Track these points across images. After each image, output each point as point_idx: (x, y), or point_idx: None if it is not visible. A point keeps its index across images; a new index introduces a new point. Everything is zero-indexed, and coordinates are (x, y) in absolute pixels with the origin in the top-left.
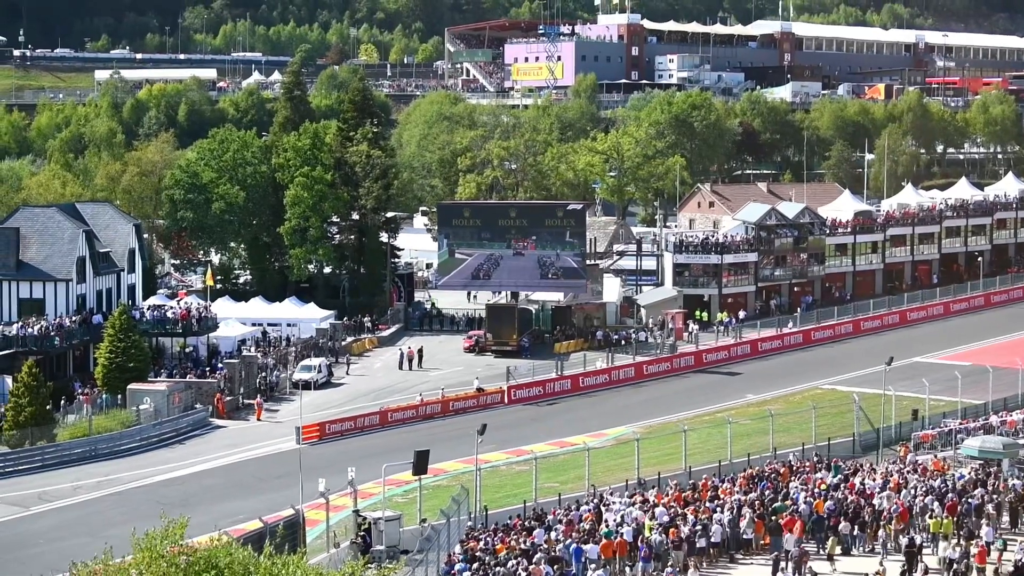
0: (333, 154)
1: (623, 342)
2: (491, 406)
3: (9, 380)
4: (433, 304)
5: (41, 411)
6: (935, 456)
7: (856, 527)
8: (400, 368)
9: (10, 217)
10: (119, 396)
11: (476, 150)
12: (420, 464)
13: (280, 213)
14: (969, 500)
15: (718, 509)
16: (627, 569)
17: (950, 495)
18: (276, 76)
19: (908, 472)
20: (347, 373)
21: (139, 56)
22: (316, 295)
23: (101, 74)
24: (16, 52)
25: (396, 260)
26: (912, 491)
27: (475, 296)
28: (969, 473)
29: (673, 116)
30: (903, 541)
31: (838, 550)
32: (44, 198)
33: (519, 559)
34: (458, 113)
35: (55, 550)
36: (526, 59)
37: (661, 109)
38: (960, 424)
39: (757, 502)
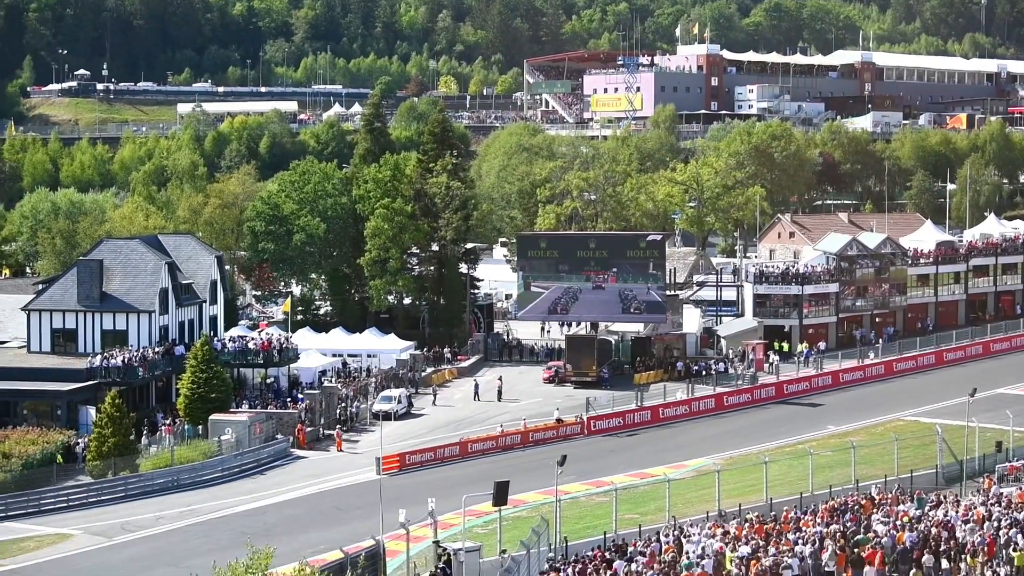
0: (413, 185)
1: (703, 373)
2: (571, 437)
3: (93, 411)
4: (509, 333)
5: (124, 441)
6: (1020, 488)
7: (939, 560)
8: (475, 399)
9: (94, 249)
10: (201, 427)
11: (555, 181)
12: (500, 495)
13: (360, 244)
14: None
15: (799, 541)
16: None
17: None
18: (356, 108)
19: (992, 504)
20: (433, 404)
21: (221, 89)
22: (396, 326)
23: (184, 107)
24: (100, 86)
25: (475, 291)
26: (996, 524)
27: (548, 330)
28: None
29: (753, 146)
30: (987, 574)
31: None
32: (127, 230)
33: None
34: (537, 144)
35: None
36: (605, 90)
37: (741, 139)
38: None
39: (839, 534)
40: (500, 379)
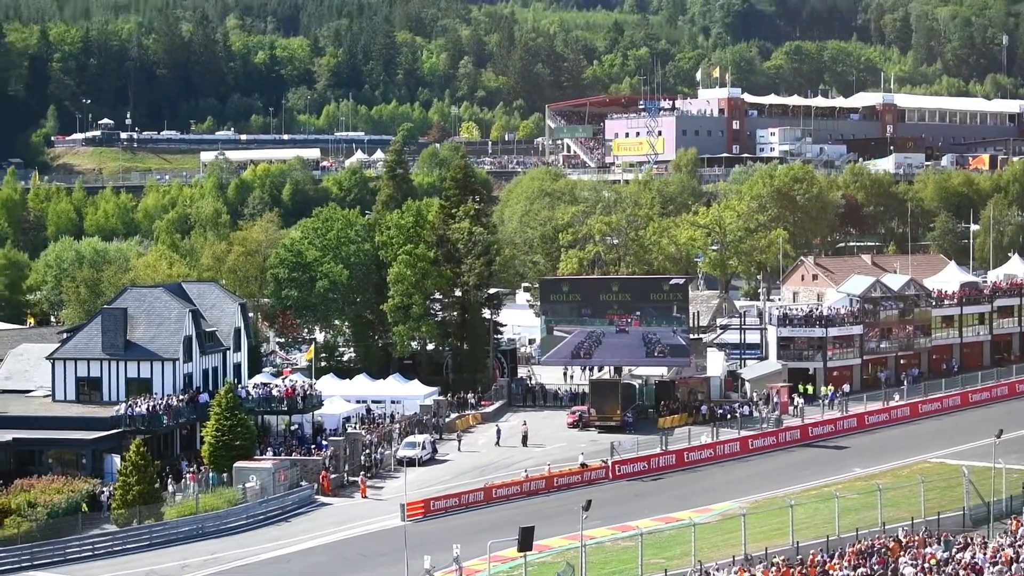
0: (435, 231)
1: (728, 416)
2: (595, 482)
3: (118, 459)
4: (532, 377)
5: (149, 490)
6: None
7: None
8: (497, 445)
9: (118, 298)
10: (225, 474)
11: (577, 225)
12: (525, 540)
13: (383, 291)
14: None
15: None
16: None
17: None
18: (378, 155)
19: (1020, 546)
20: (459, 449)
21: (244, 137)
22: (420, 372)
23: (206, 155)
24: (124, 135)
25: (499, 336)
26: None
27: (571, 376)
28: None
29: (775, 189)
30: None
31: None
32: (151, 278)
33: None
34: (559, 189)
35: None
36: (627, 134)
37: (763, 182)
38: None
39: None
40: (525, 423)
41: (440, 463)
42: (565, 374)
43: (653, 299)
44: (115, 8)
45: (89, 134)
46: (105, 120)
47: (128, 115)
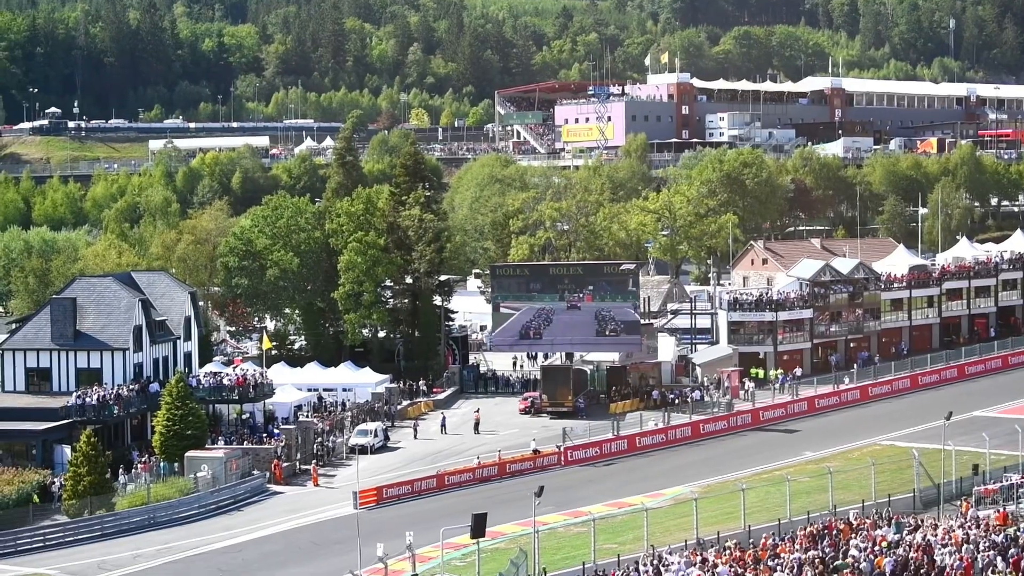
0: (386, 218)
1: (679, 401)
2: (548, 468)
3: (68, 450)
4: (482, 364)
5: (100, 480)
6: (998, 510)
7: None
8: (443, 433)
9: (67, 288)
10: (177, 464)
11: (528, 212)
12: (478, 527)
13: (334, 278)
14: None
15: (778, 568)
16: None
17: (1013, 550)
18: (328, 142)
19: (970, 527)
20: (415, 437)
21: (192, 125)
22: (371, 359)
23: (155, 144)
24: (71, 124)
25: (450, 323)
26: (974, 547)
27: (522, 365)
28: None
29: (725, 174)
30: None
31: None
32: (100, 268)
33: None
34: (509, 175)
35: None
36: (576, 120)
37: (712, 167)
38: (1021, 479)
39: (818, 560)
40: (478, 411)
41: (392, 451)
42: (514, 363)
43: (607, 272)
44: None
45: (36, 123)
46: (52, 109)
47: (76, 104)
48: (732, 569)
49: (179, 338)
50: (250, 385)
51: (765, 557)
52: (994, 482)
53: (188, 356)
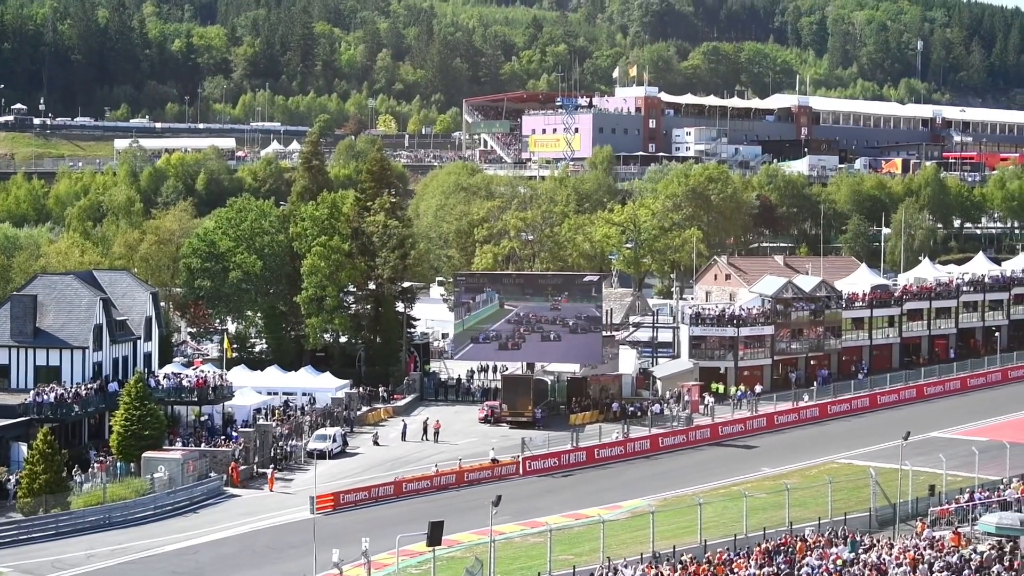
0: (350, 224)
1: (639, 414)
2: (506, 477)
3: (24, 447)
4: (443, 372)
5: (56, 479)
6: (953, 531)
7: None
8: (403, 440)
9: (28, 285)
10: (134, 464)
11: (493, 221)
12: (435, 535)
13: (297, 282)
14: None
15: None
16: None
17: (966, 572)
18: (294, 146)
19: (925, 548)
20: (375, 443)
21: (158, 125)
22: (332, 364)
23: (120, 143)
24: (36, 120)
25: (412, 330)
26: (928, 567)
27: (479, 374)
28: (987, 550)
29: (690, 188)
30: None
31: None
32: (62, 266)
33: None
34: (475, 184)
35: None
36: (544, 131)
37: (678, 181)
38: (978, 496)
39: None
40: (438, 422)
41: (351, 456)
42: (471, 375)
43: (572, 283)
44: None
45: (1, 119)
46: (18, 105)
47: (42, 100)
48: None
49: (139, 338)
50: (209, 387)
51: (720, 572)
52: (950, 503)
53: (148, 356)
